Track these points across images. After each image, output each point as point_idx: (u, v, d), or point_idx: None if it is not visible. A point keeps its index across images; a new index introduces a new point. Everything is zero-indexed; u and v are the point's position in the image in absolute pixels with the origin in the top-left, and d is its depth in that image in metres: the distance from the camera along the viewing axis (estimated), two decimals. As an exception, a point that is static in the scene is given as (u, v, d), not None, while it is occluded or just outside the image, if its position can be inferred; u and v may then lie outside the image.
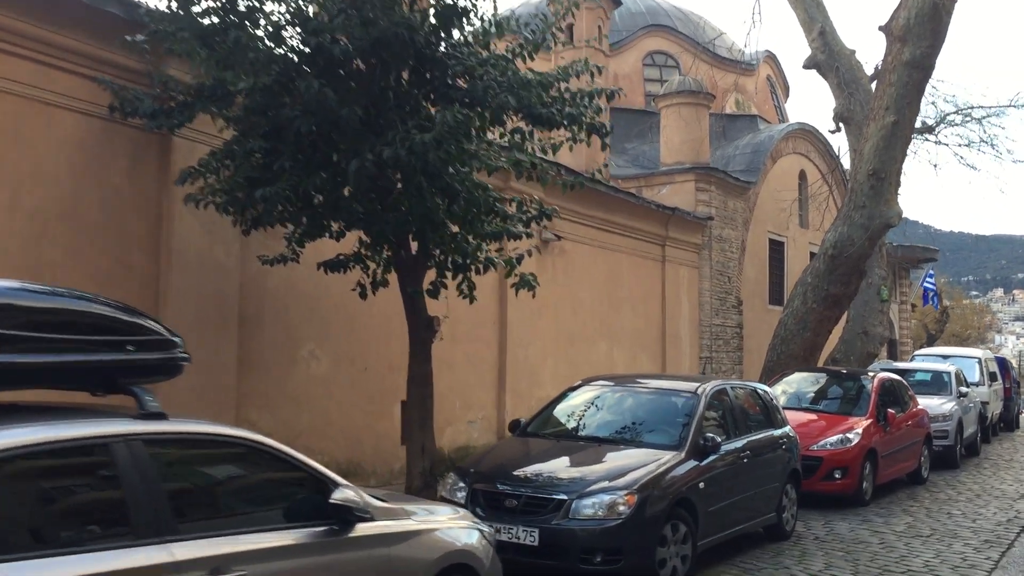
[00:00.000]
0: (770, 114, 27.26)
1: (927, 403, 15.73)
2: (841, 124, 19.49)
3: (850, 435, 11.91)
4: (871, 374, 13.88)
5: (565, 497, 7.17)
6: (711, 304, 20.45)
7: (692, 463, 7.95)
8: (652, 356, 18.51)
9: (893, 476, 13.08)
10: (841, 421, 12.40)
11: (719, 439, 8.20)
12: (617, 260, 17.48)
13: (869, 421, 12.42)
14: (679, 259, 19.55)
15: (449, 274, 8.79)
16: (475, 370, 13.49)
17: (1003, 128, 37.78)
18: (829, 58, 18.94)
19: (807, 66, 19.69)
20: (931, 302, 42.90)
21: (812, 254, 24.28)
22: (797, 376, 14.37)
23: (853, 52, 19.10)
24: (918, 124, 21.31)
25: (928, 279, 42.53)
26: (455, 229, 8.43)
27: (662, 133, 21.17)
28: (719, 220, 20.75)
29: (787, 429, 10.21)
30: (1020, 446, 19.85)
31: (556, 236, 15.23)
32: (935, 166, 61.34)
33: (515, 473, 7.70)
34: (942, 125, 21.58)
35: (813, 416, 12.74)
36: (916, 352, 22.45)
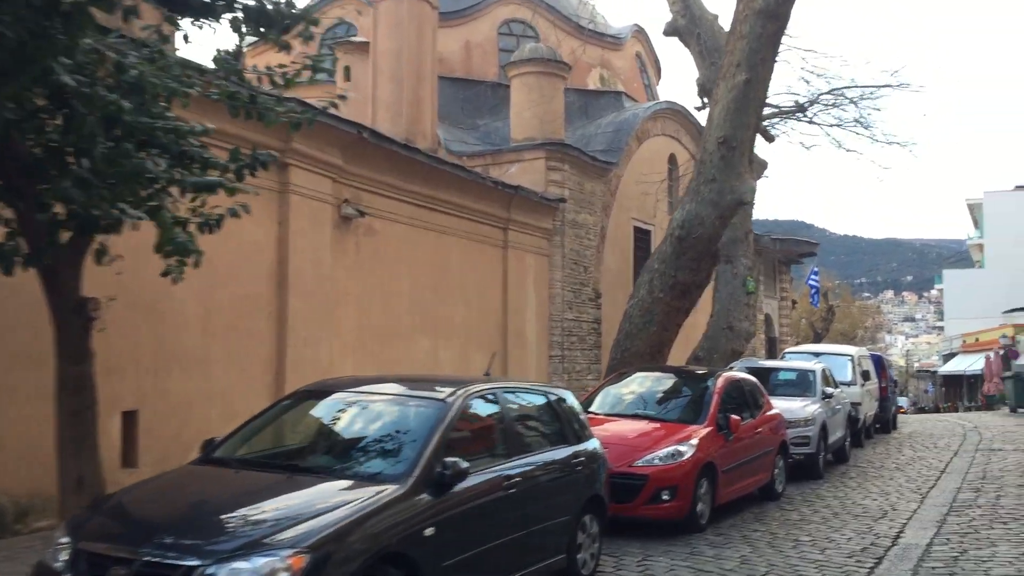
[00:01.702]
0: (639, 93, 25.39)
1: (788, 406, 13.91)
2: (705, 99, 17.67)
3: (682, 447, 9.83)
4: (718, 375, 11.90)
5: (197, 563, 4.77)
6: (564, 297, 18.36)
7: (421, 500, 5.66)
8: (490, 355, 16.23)
9: (740, 493, 11.10)
10: (677, 430, 10.33)
11: (465, 465, 5.93)
12: (446, 244, 15.19)
13: (708, 430, 10.39)
14: (525, 245, 17.38)
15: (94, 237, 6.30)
16: (242, 372, 10.98)
17: (879, 110, 37.28)
18: (690, 23, 17.09)
19: (667, 33, 17.83)
20: (814, 300, 42.21)
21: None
22: (637, 377, 12.30)
23: (716, 17, 17.31)
24: (790, 103, 19.72)
25: (813, 277, 41.77)
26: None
27: (512, 106, 19.00)
28: (574, 203, 18.68)
29: (590, 445, 8.04)
30: (894, 450, 18.31)
31: (359, 211, 12.85)
32: (807, 147, 60.48)
33: (145, 523, 5.29)
34: (816, 105, 20.03)
35: (647, 425, 10.66)
36: (787, 350, 20.86)
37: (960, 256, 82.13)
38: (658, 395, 11.80)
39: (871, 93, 19.69)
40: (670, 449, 9.77)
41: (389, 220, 13.77)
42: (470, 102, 21.63)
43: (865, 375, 19.27)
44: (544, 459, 7.22)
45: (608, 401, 11.61)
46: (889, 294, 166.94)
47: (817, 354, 19.42)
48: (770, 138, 19.11)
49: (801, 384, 15.12)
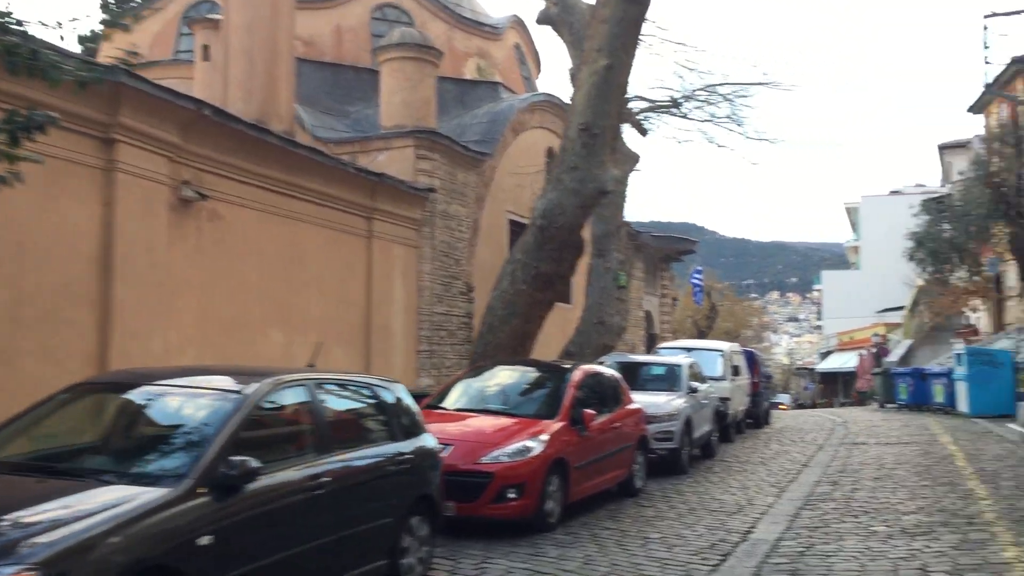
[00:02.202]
0: (517, 85, 25.02)
1: (653, 400, 13.70)
2: (579, 89, 17.33)
3: (531, 443, 9.37)
4: (575, 369, 11.51)
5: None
6: (433, 290, 17.78)
7: (198, 505, 4.99)
8: (352, 349, 15.55)
9: (596, 489, 10.73)
10: (529, 426, 9.87)
11: (255, 464, 5.28)
12: (303, 232, 14.41)
13: (560, 425, 9.97)
14: (392, 235, 16.73)
15: None
16: (58, 366, 9.99)
17: (752, 108, 37.57)
18: (563, 11, 16.75)
19: (540, 21, 17.46)
20: (697, 298, 42.82)
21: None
22: (494, 370, 11.83)
23: (589, 6, 16.97)
24: (664, 98, 19.62)
25: (696, 275, 42.35)
26: None
27: (382, 92, 18.34)
28: (445, 194, 18.12)
29: (420, 442, 7.48)
30: (762, 445, 18.40)
31: (200, 194, 11.98)
32: (679, 141, 60.90)
33: None
34: (692, 101, 20.00)
35: (499, 420, 10.15)
36: (660, 345, 20.79)
37: (839, 258, 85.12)
38: (514, 389, 11.32)
39: (743, 91, 19.80)
40: (518, 445, 9.30)
41: (237, 205, 12.92)
42: (341, 88, 20.84)
43: (735, 370, 19.33)
44: (362, 457, 6.62)
45: (461, 396, 11.08)
46: (775, 295, 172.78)
47: (689, 349, 19.39)
48: (643, 131, 18.98)
49: (668, 379, 14.94)
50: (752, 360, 22.33)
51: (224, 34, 16.08)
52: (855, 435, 20.52)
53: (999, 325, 32.38)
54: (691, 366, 15.58)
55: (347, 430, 6.80)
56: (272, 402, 6.02)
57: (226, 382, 6.01)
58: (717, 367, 18.58)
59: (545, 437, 9.54)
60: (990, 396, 23.54)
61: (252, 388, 5.84)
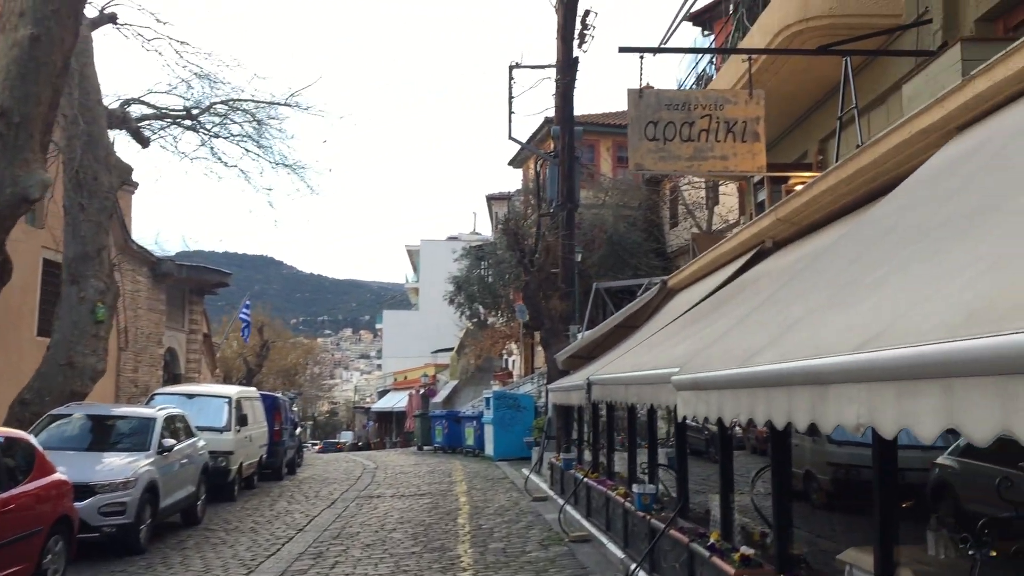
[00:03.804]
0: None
1: (108, 464, 11.10)
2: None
3: None
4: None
5: None
6: None
7: None
8: None
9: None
10: None
11: None
12: None
13: None
14: None
15: None
16: None
17: (282, 131, 35.77)
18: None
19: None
20: (244, 335, 40.22)
21: (48, 261, 18.70)
22: None
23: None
24: (178, 106, 17.12)
25: (244, 311, 39.68)
26: None
27: None
28: None
29: None
30: (269, 503, 16.36)
31: None
32: (189, 156, 58.20)
33: None
34: (208, 114, 17.68)
35: None
36: (158, 391, 17.98)
37: (403, 298, 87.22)
38: None
39: (273, 111, 17.96)
40: None
41: None
42: None
43: (243, 419, 17.14)
44: None
45: None
46: (348, 332, 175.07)
47: (190, 396, 16.89)
48: (144, 141, 16.23)
49: (135, 436, 12.30)
50: (274, 406, 20.36)
51: None
52: (378, 484, 19.41)
53: (530, 368, 33.97)
54: (172, 419, 13.11)
55: None
56: None
57: None
58: (222, 416, 16.28)
59: None
60: (514, 439, 24.00)
61: None
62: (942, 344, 2.21)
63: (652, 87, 8.71)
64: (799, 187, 7.56)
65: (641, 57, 8.37)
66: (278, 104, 17.68)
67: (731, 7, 14.20)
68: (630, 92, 8.46)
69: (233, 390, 17.87)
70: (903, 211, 4.63)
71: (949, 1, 8.36)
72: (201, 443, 14.08)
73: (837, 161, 6.32)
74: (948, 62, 6.75)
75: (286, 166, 18.23)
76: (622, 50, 8.46)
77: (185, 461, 12.99)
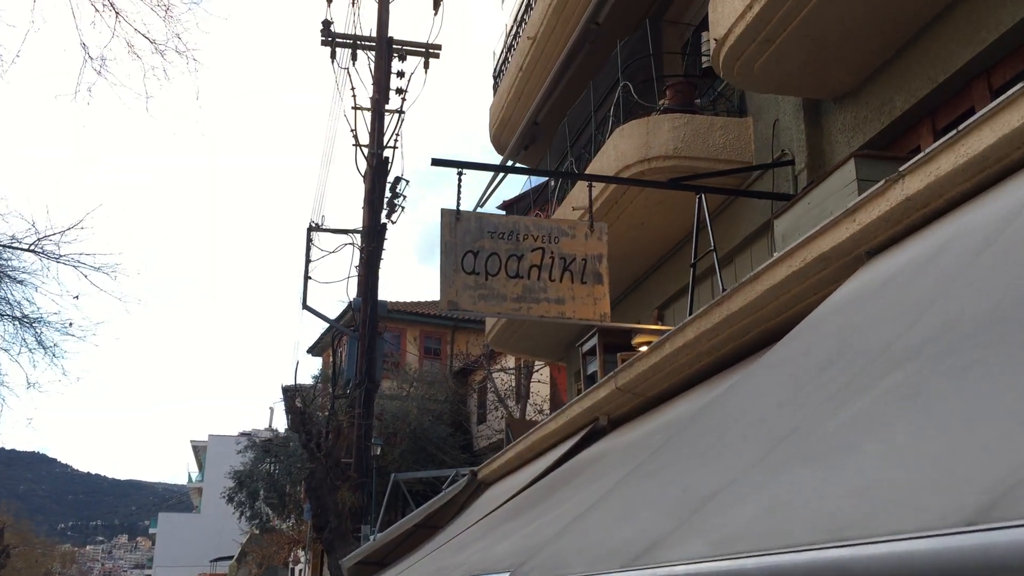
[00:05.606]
0: None
1: None
2: None
3: None
4: None
5: None
6: None
7: None
8: None
9: None
10: None
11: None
12: None
13: None
14: None
15: None
16: None
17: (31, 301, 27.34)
18: None
19: None
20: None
21: None
22: None
23: None
24: None
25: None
26: None
27: None
28: None
29: None
30: None
31: None
32: None
33: None
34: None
35: None
36: None
37: (186, 499, 79.64)
38: None
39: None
40: None
41: None
42: None
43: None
44: None
45: None
46: (124, 538, 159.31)
47: None
48: None
49: None
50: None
51: None
52: None
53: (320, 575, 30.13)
54: None
55: None
56: None
57: None
58: None
59: None
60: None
61: None
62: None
63: (471, 212, 7.03)
64: (644, 348, 5.86)
65: (460, 173, 6.71)
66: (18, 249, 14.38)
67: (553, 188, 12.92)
68: (444, 212, 6.68)
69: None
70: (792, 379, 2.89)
71: (813, 141, 7.28)
72: None
73: (691, 315, 4.64)
74: (839, 183, 5.41)
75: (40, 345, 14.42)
76: (435, 162, 6.78)
77: None
